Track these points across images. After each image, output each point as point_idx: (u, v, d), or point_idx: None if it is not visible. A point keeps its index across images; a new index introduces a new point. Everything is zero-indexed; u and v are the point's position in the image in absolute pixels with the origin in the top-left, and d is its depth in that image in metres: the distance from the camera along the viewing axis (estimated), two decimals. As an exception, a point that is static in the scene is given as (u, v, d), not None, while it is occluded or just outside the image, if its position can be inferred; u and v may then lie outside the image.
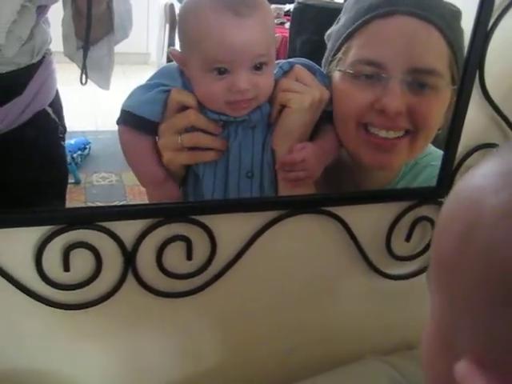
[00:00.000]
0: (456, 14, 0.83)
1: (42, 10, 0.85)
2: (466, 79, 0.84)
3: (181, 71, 0.80)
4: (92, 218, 0.75)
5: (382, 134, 0.82)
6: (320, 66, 0.89)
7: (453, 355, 0.36)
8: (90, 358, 0.86)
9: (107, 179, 1.15)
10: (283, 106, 0.81)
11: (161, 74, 0.82)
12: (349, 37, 0.84)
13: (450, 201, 0.39)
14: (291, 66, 0.83)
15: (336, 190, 0.92)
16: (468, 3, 0.83)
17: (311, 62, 0.85)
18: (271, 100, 0.81)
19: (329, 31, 0.90)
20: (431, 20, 0.80)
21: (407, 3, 0.80)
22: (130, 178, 1.13)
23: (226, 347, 0.94)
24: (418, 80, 0.80)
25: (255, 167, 0.83)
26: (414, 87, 0.80)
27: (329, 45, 0.90)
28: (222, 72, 0.75)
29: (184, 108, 0.79)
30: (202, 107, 0.79)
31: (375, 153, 0.84)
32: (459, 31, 0.84)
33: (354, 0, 0.85)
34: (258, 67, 0.77)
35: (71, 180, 1.06)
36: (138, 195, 1.07)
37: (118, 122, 0.80)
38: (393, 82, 0.80)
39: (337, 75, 0.85)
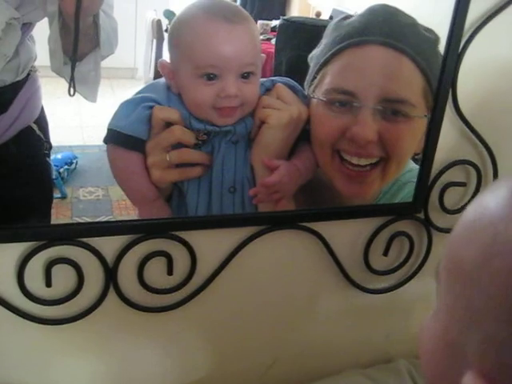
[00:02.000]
0: (433, 41, 0.85)
1: (27, 27, 0.86)
2: (439, 98, 0.86)
3: (167, 86, 0.82)
4: (73, 234, 0.76)
5: (354, 160, 0.84)
6: (303, 82, 0.90)
7: (460, 362, 0.37)
8: (71, 373, 0.86)
9: (94, 194, 1.16)
10: (262, 122, 0.83)
11: (146, 88, 0.84)
12: (325, 63, 0.86)
13: (472, 211, 0.40)
14: (273, 84, 0.85)
15: (316, 206, 0.94)
16: (440, 25, 0.84)
17: (294, 82, 0.87)
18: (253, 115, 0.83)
19: (311, 54, 0.92)
20: (404, 50, 0.81)
21: (381, 33, 0.82)
22: (116, 192, 1.14)
23: (208, 361, 0.95)
24: (391, 108, 0.82)
25: (237, 182, 0.85)
26: (386, 115, 0.82)
27: (310, 67, 0.91)
28: (211, 78, 0.78)
29: (169, 124, 0.80)
30: (188, 119, 0.81)
31: (348, 183, 0.86)
32: (436, 59, 0.85)
33: (333, 26, 0.87)
34: (245, 76, 0.80)
35: (57, 195, 1.06)
36: (124, 210, 1.07)
37: (106, 141, 0.81)
38: (364, 110, 0.81)
39: (314, 101, 0.87)
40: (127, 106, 0.82)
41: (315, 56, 0.90)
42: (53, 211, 0.99)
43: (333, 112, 0.84)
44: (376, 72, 0.82)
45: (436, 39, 0.85)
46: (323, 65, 0.86)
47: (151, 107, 0.80)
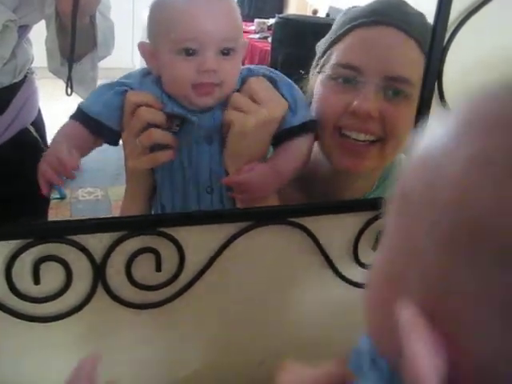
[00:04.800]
0: None
1: (23, 30, 0.87)
2: (425, 91, 0.86)
3: (143, 73, 0.81)
4: (60, 231, 0.77)
5: (353, 135, 0.84)
6: (300, 80, 0.91)
7: (400, 295, 0.35)
8: (60, 371, 0.85)
9: (93, 194, 1.17)
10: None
11: (124, 75, 0.83)
12: (333, 43, 0.87)
13: (421, 145, 0.38)
14: (249, 74, 0.83)
15: (312, 199, 0.94)
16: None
17: (272, 70, 0.85)
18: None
19: (318, 43, 0.94)
20: (413, 35, 0.82)
21: (390, 16, 0.84)
22: (115, 192, 1.15)
23: (197, 358, 0.95)
24: (393, 87, 0.83)
25: (214, 182, 0.84)
26: (388, 94, 0.83)
27: (317, 54, 0.93)
28: (190, 53, 0.76)
29: None
30: (160, 98, 0.80)
31: (345, 156, 0.86)
32: None
33: (342, 13, 0.89)
34: (225, 52, 0.78)
35: (56, 195, 1.07)
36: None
37: (71, 118, 0.81)
38: (367, 86, 0.82)
39: (317, 79, 0.88)
40: (100, 90, 0.82)
41: (322, 42, 0.92)
42: (52, 212, 1.01)
43: (336, 89, 0.85)
44: (383, 50, 0.83)
45: None
46: (330, 45, 0.88)
47: (123, 92, 0.80)
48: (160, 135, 0.81)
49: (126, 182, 0.87)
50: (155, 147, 0.82)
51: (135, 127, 0.80)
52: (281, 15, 1.35)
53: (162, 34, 0.78)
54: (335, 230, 0.94)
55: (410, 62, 0.84)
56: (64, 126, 0.82)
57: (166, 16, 0.78)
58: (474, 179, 0.32)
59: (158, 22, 0.79)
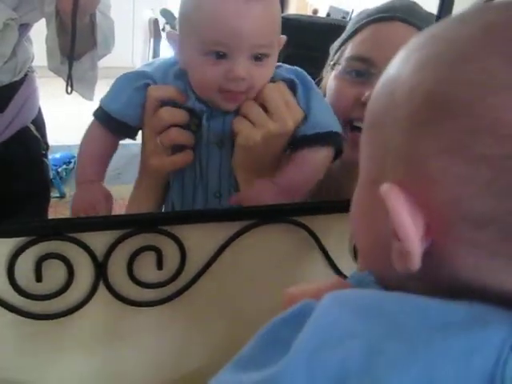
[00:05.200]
0: None
1: (24, 28, 0.87)
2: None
3: (167, 64, 0.79)
4: (62, 229, 0.77)
5: None
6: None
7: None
8: (63, 368, 0.87)
9: (92, 193, 1.16)
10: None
11: (149, 63, 0.82)
12: (347, 39, 0.89)
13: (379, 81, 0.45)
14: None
15: (316, 194, 0.93)
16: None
17: (296, 72, 0.81)
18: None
19: (332, 45, 0.95)
20: None
21: (405, 13, 0.85)
22: (115, 191, 1.14)
23: (199, 356, 0.95)
24: None
25: (223, 187, 0.84)
26: None
27: (330, 55, 0.94)
28: (219, 56, 0.72)
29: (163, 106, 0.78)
30: (185, 92, 0.78)
31: (357, 149, 0.85)
32: None
33: (358, 13, 0.92)
34: (258, 57, 0.73)
35: (56, 194, 1.07)
36: (123, 208, 1.08)
37: (95, 117, 0.81)
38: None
39: (330, 75, 0.89)
40: (122, 84, 0.80)
41: (336, 44, 0.93)
42: (51, 210, 1.01)
43: (349, 82, 0.86)
44: (396, 43, 0.83)
45: None
46: (346, 40, 0.89)
47: (144, 87, 0.78)
48: (180, 136, 0.80)
49: (139, 179, 0.88)
50: (175, 147, 0.81)
51: (156, 126, 0.79)
52: (281, 15, 1.35)
53: (192, 31, 0.74)
54: (336, 229, 0.94)
55: None
56: (89, 129, 0.82)
57: (199, 11, 0.73)
58: (424, 73, 0.39)
59: (188, 18, 0.75)
